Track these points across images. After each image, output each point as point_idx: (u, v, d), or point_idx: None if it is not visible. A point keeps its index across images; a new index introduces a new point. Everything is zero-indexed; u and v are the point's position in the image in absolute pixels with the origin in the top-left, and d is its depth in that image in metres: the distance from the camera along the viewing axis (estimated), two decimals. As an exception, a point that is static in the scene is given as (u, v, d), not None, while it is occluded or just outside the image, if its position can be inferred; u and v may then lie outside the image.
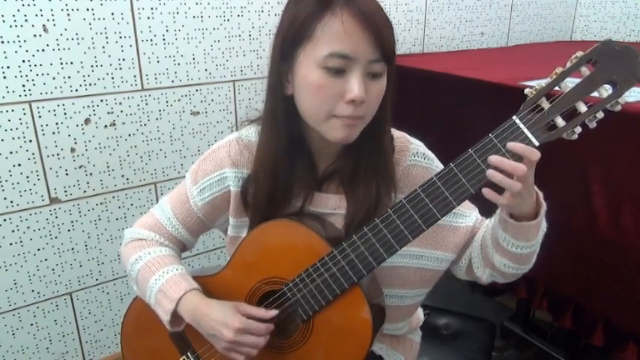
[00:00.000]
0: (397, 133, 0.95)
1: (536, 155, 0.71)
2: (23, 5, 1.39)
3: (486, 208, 0.89)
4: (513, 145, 0.71)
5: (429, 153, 0.95)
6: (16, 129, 1.46)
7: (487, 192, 0.74)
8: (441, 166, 0.95)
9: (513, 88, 1.46)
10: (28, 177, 1.51)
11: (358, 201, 0.88)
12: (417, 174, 0.93)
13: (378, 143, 0.88)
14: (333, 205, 0.92)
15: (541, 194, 0.80)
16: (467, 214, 0.95)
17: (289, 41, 0.80)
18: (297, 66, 0.81)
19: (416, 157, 0.93)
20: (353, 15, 0.75)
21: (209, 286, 0.93)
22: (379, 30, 0.77)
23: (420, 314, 1.15)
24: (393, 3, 2.10)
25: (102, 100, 1.57)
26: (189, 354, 0.96)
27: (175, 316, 0.90)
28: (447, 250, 0.95)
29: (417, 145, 0.95)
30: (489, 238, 0.87)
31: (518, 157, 0.72)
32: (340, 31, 0.76)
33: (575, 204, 1.31)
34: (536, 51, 2.36)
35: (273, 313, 0.87)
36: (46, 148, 1.52)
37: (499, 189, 0.74)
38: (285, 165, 0.88)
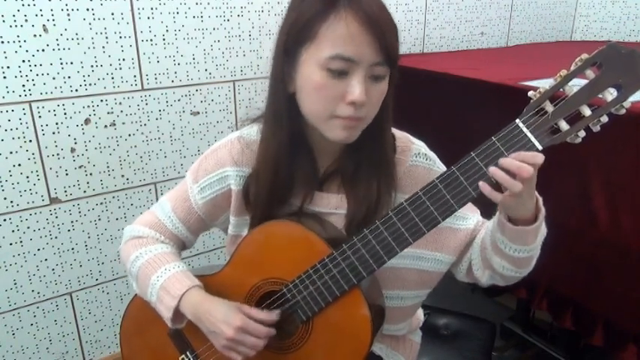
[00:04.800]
0: (399, 133, 0.95)
1: (540, 159, 0.71)
2: (23, 5, 1.38)
3: (487, 211, 0.89)
4: (516, 156, 0.71)
5: (431, 154, 0.95)
6: (16, 129, 1.46)
7: (482, 185, 0.73)
8: (442, 167, 0.94)
9: (513, 88, 1.46)
10: (28, 177, 1.51)
11: (358, 201, 0.88)
12: (419, 174, 0.93)
13: (379, 143, 0.88)
14: (333, 204, 0.92)
15: (541, 199, 0.79)
16: (468, 217, 0.95)
17: (293, 40, 0.80)
18: (300, 65, 0.81)
19: (418, 157, 0.93)
20: (357, 17, 0.75)
21: (209, 285, 0.93)
22: (383, 33, 0.76)
23: (420, 314, 1.15)
24: (393, 3, 2.10)
25: (102, 100, 1.57)
26: (187, 353, 0.96)
27: (177, 313, 0.90)
28: (447, 252, 0.95)
29: (419, 146, 0.95)
30: (489, 240, 0.87)
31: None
32: (344, 33, 0.75)
33: (575, 204, 1.31)
34: (536, 51, 2.36)
35: (275, 315, 0.87)
36: (46, 148, 1.51)
37: (497, 188, 0.74)
38: (286, 162, 0.88)
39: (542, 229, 0.82)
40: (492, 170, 0.72)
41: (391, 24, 0.79)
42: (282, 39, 0.83)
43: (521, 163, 0.70)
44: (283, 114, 0.86)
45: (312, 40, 0.78)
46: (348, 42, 0.76)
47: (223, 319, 0.85)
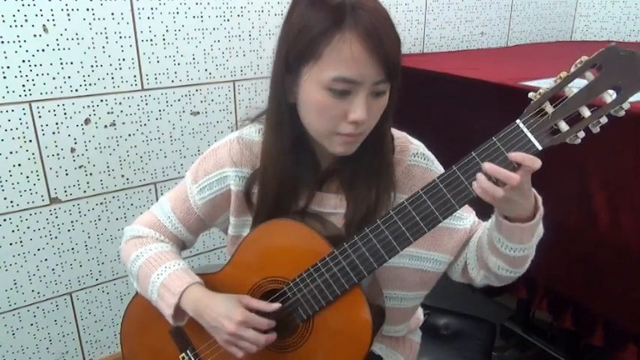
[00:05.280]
0: (397, 133, 0.95)
1: (538, 163, 0.71)
2: (23, 5, 1.38)
3: (485, 212, 0.89)
4: (515, 155, 0.71)
5: (429, 154, 0.96)
6: (16, 129, 1.46)
7: (476, 187, 0.74)
8: (440, 168, 0.95)
9: (513, 88, 1.46)
10: (28, 177, 1.51)
11: (358, 201, 0.89)
12: (417, 174, 0.93)
13: (379, 146, 0.88)
14: (333, 204, 0.93)
15: (540, 198, 0.79)
16: (464, 217, 0.96)
17: (294, 56, 0.79)
18: (302, 83, 0.80)
19: (416, 157, 0.94)
20: (362, 39, 0.74)
21: (209, 284, 0.93)
22: (386, 53, 0.75)
23: (419, 314, 1.15)
24: (393, 3, 2.10)
25: (102, 100, 1.57)
26: (188, 351, 0.96)
27: (178, 310, 0.91)
28: (444, 252, 0.95)
29: (417, 146, 0.95)
30: (485, 239, 0.87)
31: (517, 164, 0.72)
32: (348, 56, 0.74)
33: (574, 204, 1.31)
34: (536, 51, 2.36)
35: (276, 306, 0.87)
36: (46, 148, 1.51)
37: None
38: (291, 164, 0.88)
39: (538, 229, 0.82)
40: (478, 177, 0.73)
41: (395, 41, 0.78)
42: (283, 52, 0.81)
43: (510, 173, 0.71)
44: (285, 122, 0.86)
45: (315, 60, 0.76)
46: (351, 65, 0.75)
47: (225, 313, 0.85)
